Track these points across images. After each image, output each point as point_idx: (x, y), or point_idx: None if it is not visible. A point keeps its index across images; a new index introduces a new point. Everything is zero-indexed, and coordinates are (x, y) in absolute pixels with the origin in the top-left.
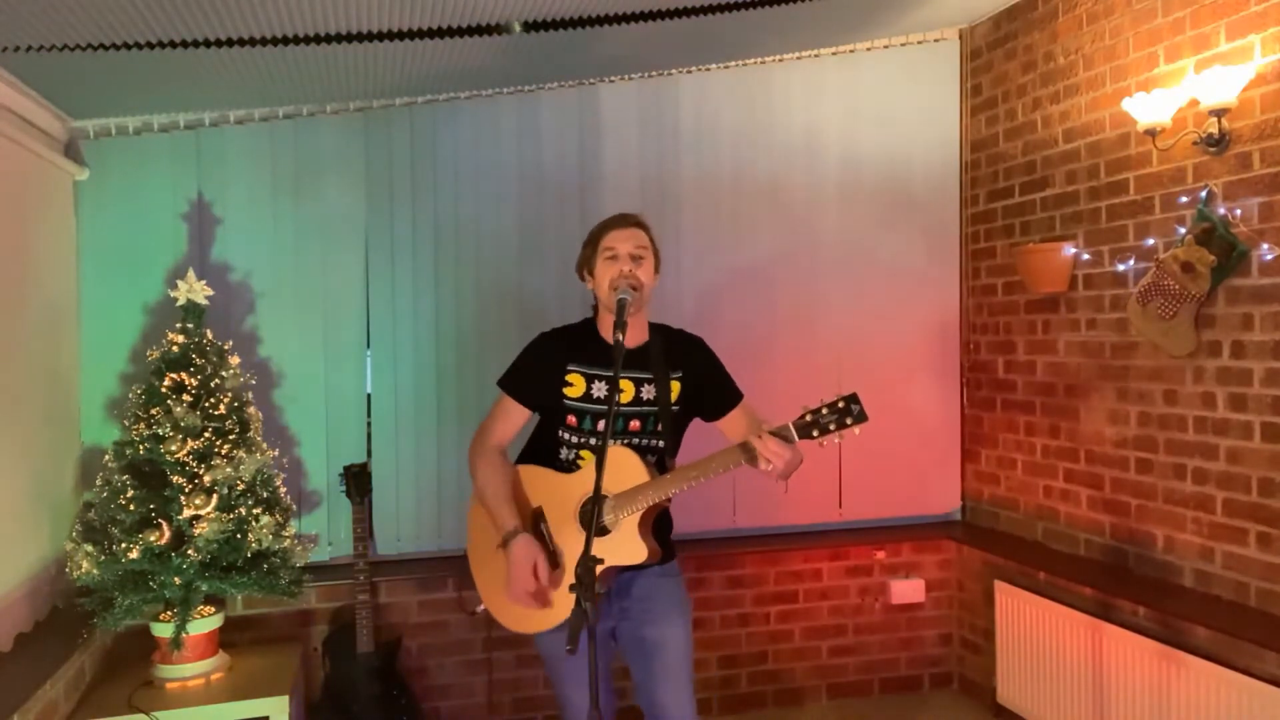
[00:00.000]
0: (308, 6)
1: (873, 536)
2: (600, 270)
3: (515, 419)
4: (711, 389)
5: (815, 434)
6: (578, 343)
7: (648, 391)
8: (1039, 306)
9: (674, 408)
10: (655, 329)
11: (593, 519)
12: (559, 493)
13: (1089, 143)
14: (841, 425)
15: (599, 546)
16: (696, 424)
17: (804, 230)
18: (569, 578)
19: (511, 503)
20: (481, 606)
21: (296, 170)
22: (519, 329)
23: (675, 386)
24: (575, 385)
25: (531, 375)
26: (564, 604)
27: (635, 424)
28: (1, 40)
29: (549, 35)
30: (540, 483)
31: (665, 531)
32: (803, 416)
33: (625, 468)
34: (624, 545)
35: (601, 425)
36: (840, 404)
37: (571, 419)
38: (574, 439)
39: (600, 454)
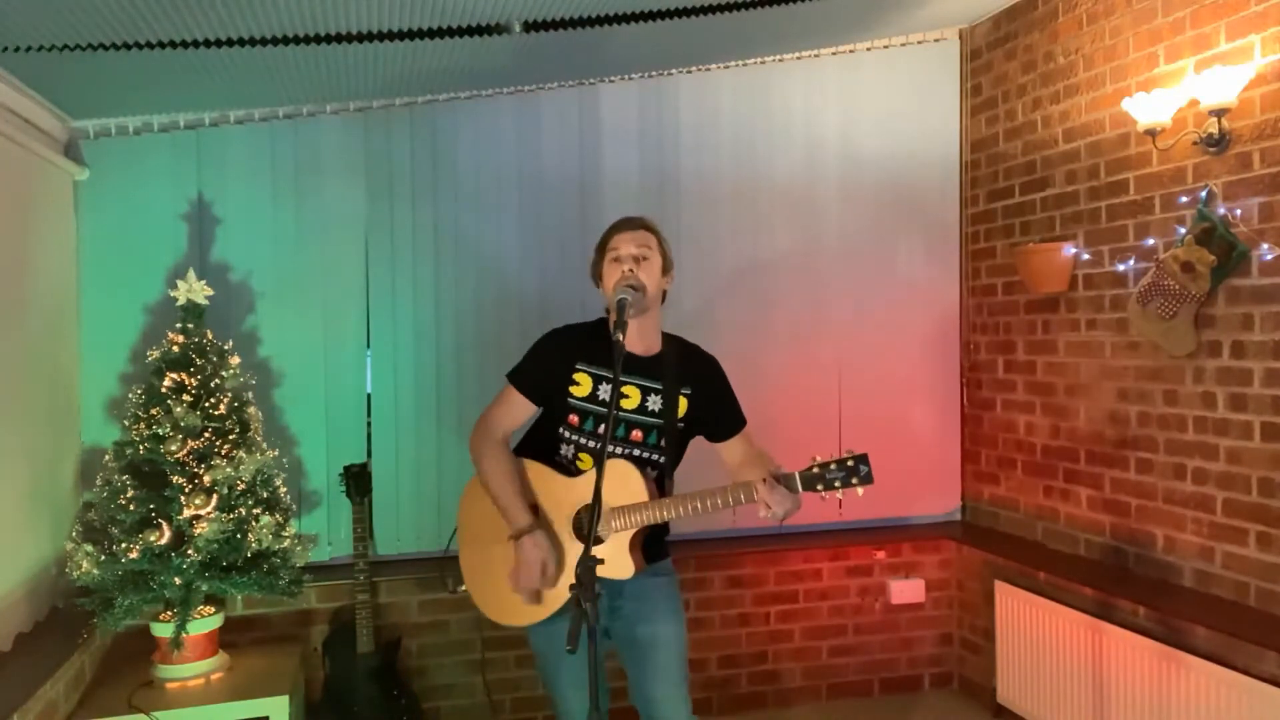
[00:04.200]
0: (308, 6)
1: (873, 536)
2: (606, 273)
3: (519, 412)
4: (718, 413)
5: (819, 488)
6: (589, 342)
7: (654, 402)
8: (1039, 306)
9: (679, 424)
10: (669, 340)
11: (590, 527)
12: (556, 494)
13: (1089, 143)
14: (846, 484)
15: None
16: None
17: (804, 230)
18: (566, 578)
19: (523, 498)
20: (463, 586)
21: (296, 170)
22: (519, 327)
23: (683, 403)
24: (581, 385)
25: (540, 370)
26: (553, 600)
27: (637, 434)
28: (1, 40)
29: (549, 35)
30: (539, 481)
31: (660, 531)
32: (810, 468)
33: (625, 482)
34: (613, 560)
35: (604, 427)
36: (850, 463)
37: (573, 418)
38: (574, 438)
39: (600, 459)
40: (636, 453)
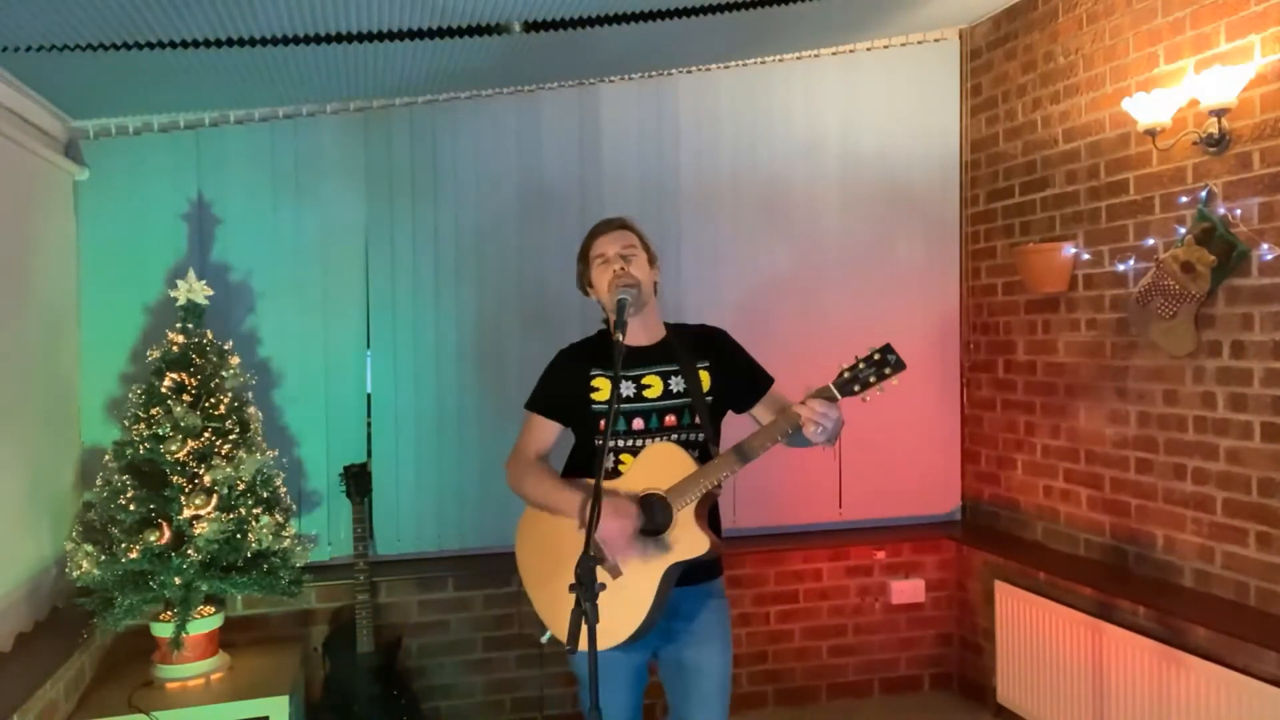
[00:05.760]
0: (308, 6)
1: (873, 536)
2: (597, 278)
3: (545, 434)
4: (741, 375)
5: (857, 389)
6: (597, 350)
7: (677, 384)
8: (1039, 306)
9: (708, 398)
10: (671, 326)
11: (590, 524)
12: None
13: (1089, 143)
14: (881, 377)
15: (659, 545)
16: (731, 418)
17: (804, 230)
18: (629, 581)
19: (570, 486)
20: (548, 634)
21: (296, 170)
22: (519, 327)
23: (704, 376)
24: (602, 390)
25: (556, 389)
26: (628, 622)
27: (670, 419)
28: (1, 40)
29: (549, 35)
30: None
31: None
32: (841, 374)
33: (671, 461)
34: (685, 538)
35: (637, 423)
36: (876, 356)
37: (604, 425)
38: (611, 444)
39: (600, 453)
40: (674, 437)
